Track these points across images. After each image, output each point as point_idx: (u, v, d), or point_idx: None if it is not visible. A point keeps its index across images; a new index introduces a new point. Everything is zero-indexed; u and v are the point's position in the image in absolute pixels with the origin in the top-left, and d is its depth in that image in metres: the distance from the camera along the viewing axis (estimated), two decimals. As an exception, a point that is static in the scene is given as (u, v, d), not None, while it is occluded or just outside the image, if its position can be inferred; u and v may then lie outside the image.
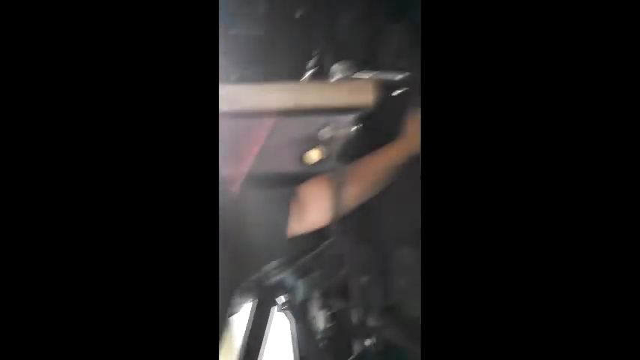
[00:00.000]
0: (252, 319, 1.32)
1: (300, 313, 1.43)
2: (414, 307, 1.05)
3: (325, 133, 0.77)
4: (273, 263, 1.30)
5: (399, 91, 0.84)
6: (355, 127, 0.75)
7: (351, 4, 1.37)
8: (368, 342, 1.39)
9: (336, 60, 0.82)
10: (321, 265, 1.36)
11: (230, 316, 0.93)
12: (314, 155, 0.75)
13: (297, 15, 1.22)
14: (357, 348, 1.40)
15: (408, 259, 1.06)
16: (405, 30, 1.11)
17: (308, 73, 0.85)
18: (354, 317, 1.56)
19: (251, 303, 1.36)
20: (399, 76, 0.82)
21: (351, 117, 0.74)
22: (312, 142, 0.75)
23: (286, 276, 1.36)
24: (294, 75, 1.03)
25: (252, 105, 0.72)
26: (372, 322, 1.40)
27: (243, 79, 1.23)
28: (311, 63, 0.88)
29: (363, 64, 1.24)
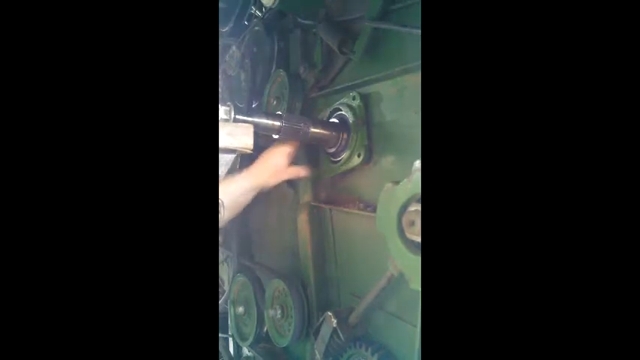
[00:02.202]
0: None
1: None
2: (283, 338, 1.10)
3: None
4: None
5: (276, 136, 0.93)
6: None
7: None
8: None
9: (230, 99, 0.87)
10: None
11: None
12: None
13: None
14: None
15: (282, 290, 1.12)
16: (283, 78, 1.22)
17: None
18: (232, 347, 1.57)
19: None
20: (277, 123, 0.91)
21: (228, 157, 0.80)
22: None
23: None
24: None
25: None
26: (246, 351, 1.42)
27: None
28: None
29: (245, 108, 1.30)
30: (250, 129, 0.83)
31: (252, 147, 0.81)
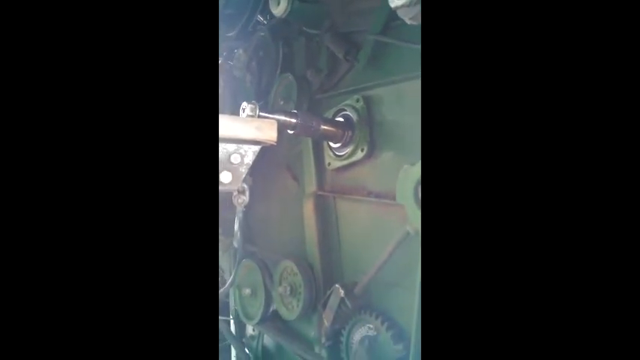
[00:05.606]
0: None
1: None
2: (291, 313, 1.23)
3: (235, 159, 0.94)
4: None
5: (291, 131, 1.06)
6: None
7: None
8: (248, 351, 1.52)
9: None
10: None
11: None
12: (225, 177, 0.91)
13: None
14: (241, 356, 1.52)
15: (290, 270, 1.25)
16: (289, 80, 1.36)
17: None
18: (234, 329, 1.68)
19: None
20: (293, 120, 1.04)
21: (255, 147, 0.93)
22: (224, 166, 0.91)
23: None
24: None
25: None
26: (250, 330, 1.54)
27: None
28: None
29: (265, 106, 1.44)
30: (275, 124, 0.95)
31: (276, 139, 0.94)
